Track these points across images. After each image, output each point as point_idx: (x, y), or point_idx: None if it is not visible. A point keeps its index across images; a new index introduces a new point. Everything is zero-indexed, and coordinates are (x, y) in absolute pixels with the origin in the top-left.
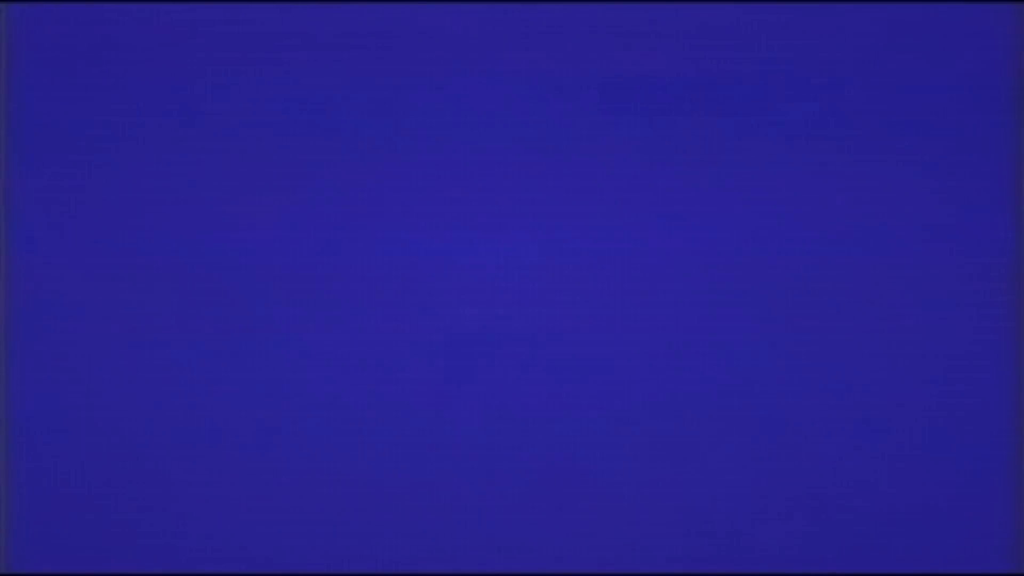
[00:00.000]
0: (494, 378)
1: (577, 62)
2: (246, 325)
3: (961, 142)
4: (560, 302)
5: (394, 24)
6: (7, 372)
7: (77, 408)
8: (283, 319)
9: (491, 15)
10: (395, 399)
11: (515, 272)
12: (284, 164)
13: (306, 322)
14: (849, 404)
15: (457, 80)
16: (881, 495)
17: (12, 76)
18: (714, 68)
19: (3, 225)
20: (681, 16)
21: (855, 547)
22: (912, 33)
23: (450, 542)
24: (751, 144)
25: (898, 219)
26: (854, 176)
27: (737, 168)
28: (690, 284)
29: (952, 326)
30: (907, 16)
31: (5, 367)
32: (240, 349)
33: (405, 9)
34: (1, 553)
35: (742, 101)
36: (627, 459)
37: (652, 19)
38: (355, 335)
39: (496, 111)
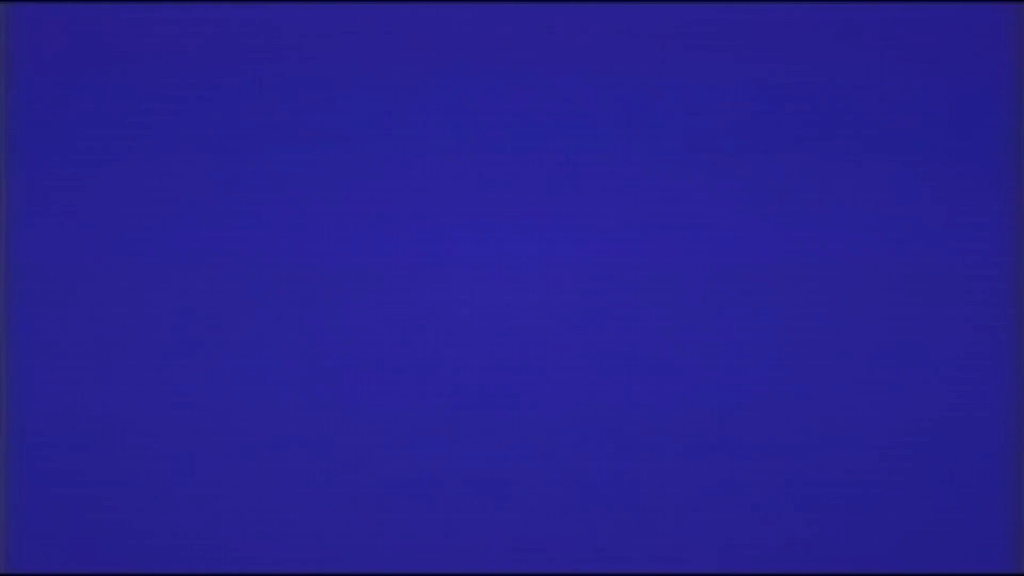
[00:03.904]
0: (496, 379)
1: (579, 63)
2: (246, 325)
3: (961, 142)
4: (563, 303)
5: (395, 24)
6: (7, 372)
7: (77, 408)
8: (283, 319)
9: (493, 15)
10: (395, 399)
11: (518, 273)
12: (285, 164)
13: (306, 321)
14: (850, 404)
15: (459, 80)
16: (881, 495)
17: (12, 76)
18: (715, 69)
19: (3, 225)
20: (683, 17)
21: (855, 547)
22: (912, 33)
23: (450, 543)
24: (751, 145)
25: (898, 219)
26: (854, 177)
27: (737, 168)
28: (690, 285)
29: (952, 326)
30: (907, 16)
31: (5, 367)
32: (240, 349)
33: (406, 9)
34: (1, 553)
35: (743, 102)
36: (627, 460)
37: (654, 20)
38: (355, 336)
39: (498, 112)
